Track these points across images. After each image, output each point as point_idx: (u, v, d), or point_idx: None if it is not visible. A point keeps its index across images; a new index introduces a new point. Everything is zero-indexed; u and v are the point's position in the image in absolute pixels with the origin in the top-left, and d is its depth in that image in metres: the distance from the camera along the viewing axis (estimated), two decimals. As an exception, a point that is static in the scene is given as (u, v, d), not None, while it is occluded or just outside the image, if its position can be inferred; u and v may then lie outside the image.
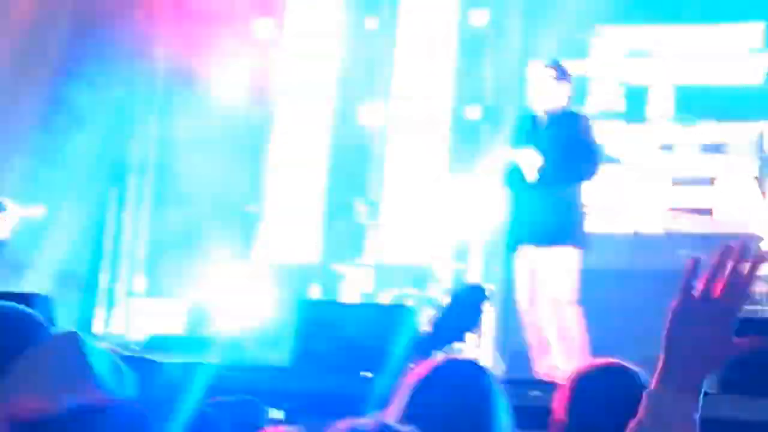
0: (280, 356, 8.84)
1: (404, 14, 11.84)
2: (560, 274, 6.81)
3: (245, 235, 12.01)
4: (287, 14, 12.34)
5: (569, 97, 7.00)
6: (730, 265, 1.71)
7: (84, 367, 1.70)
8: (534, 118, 6.99)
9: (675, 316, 1.74)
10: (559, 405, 2.63)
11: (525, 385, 5.56)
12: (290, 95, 12.19)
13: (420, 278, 10.08)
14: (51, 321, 7.23)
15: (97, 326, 11.93)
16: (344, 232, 11.01)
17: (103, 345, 1.79)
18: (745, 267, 1.71)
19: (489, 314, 10.10)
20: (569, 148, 6.77)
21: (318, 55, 12.07)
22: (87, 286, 11.95)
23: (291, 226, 11.86)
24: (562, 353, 6.78)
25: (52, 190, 11.35)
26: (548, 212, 6.76)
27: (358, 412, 2.07)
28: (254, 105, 12.05)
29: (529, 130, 6.95)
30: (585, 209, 7.11)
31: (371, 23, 11.88)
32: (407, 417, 2.32)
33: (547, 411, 2.61)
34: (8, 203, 9.52)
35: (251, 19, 12.10)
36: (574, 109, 7.19)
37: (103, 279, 12.20)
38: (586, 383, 2.62)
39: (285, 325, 10.10)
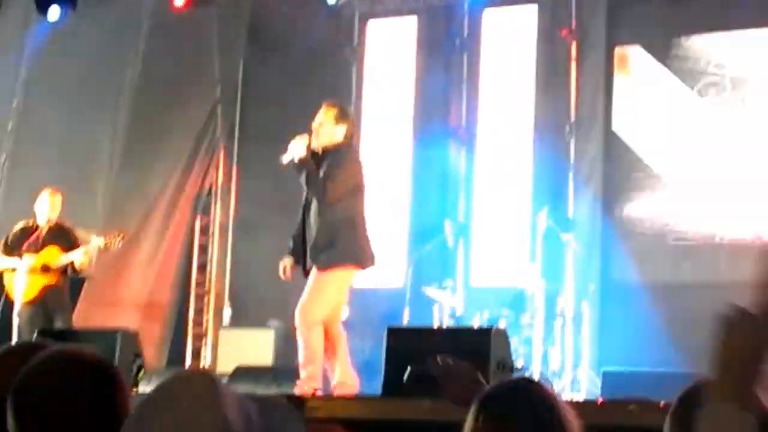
0: (370, 384, 8.62)
1: (485, 35, 11.69)
2: (310, 294, 7.29)
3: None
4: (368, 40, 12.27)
5: (347, 136, 7.39)
6: None
7: (217, 415, 1.54)
8: (315, 154, 7.39)
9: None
10: None
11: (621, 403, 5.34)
12: (372, 120, 12.06)
13: (515, 299, 9.82)
14: (138, 355, 7.09)
15: (185, 359, 11.85)
16: (433, 255, 10.80)
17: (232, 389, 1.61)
18: None
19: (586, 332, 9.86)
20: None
21: (398, 80, 11.98)
22: (174, 319, 11.86)
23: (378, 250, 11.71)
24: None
25: (135, 221, 11.31)
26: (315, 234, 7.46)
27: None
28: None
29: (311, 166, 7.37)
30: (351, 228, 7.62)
31: (451, 43, 11.74)
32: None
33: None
34: (89, 237, 9.34)
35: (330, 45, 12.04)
36: (346, 147, 7.46)
37: (190, 310, 12.12)
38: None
39: (376, 352, 9.88)
